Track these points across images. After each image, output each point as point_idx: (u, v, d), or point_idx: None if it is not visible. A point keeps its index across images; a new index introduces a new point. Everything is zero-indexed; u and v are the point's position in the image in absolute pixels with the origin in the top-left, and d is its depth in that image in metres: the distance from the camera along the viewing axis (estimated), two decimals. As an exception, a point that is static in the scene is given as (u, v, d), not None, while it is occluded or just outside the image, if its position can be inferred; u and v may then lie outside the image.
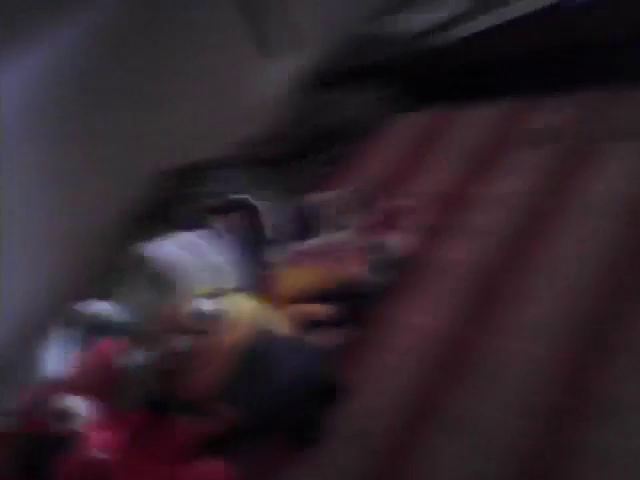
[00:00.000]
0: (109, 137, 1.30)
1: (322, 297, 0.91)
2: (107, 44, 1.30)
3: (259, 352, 0.80)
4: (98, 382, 0.87)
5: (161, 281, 1.01)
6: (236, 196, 1.16)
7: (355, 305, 0.89)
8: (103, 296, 1.05)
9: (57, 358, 0.95)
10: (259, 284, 0.98)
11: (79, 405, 0.81)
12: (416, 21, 1.49)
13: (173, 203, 1.23)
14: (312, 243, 1.06)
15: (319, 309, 0.88)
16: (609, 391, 0.63)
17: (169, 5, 1.40)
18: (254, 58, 1.59)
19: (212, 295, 0.86)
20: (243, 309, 0.85)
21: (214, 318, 0.82)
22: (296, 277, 0.96)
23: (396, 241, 0.98)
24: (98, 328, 0.98)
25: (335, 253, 1.00)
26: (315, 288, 0.93)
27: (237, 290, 0.94)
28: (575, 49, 1.14)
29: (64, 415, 0.80)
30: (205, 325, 0.81)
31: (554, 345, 0.70)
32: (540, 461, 0.61)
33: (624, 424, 0.60)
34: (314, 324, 0.86)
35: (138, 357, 0.93)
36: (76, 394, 0.83)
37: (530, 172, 0.97)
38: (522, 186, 0.96)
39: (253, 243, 1.08)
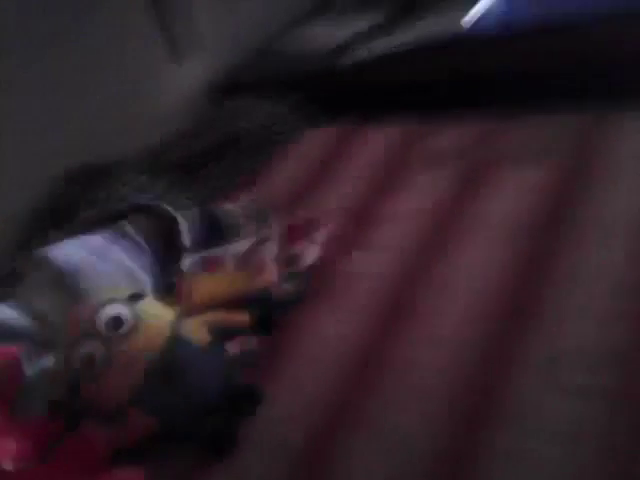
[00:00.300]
0: (12, 134, 1.25)
1: (234, 305, 0.92)
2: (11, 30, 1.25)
3: (172, 359, 0.79)
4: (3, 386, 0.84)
5: (66, 284, 0.99)
6: (150, 202, 1.16)
7: (267, 314, 0.91)
8: (2, 299, 1.02)
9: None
10: (171, 290, 0.98)
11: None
12: (327, 37, 1.55)
13: (80, 205, 1.20)
14: (223, 251, 1.07)
15: (233, 317, 0.89)
16: (511, 399, 0.68)
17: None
18: (164, 62, 1.58)
19: (126, 300, 0.86)
20: (157, 315, 0.85)
21: (127, 323, 0.81)
22: (208, 284, 0.97)
23: (306, 252, 1.01)
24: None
25: (247, 262, 1.02)
26: (227, 296, 0.94)
27: (150, 296, 0.93)
28: (474, 78, 1.24)
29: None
30: (118, 331, 0.81)
31: (459, 356, 0.75)
32: (450, 465, 0.65)
33: (524, 428, 0.65)
34: (228, 332, 0.88)
35: (43, 362, 0.90)
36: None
37: (430, 191, 1.05)
38: (424, 204, 1.02)
39: (165, 249, 1.07)
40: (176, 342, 0.81)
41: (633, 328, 0.70)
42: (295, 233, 1.05)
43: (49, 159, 1.30)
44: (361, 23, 1.51)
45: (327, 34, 1.55)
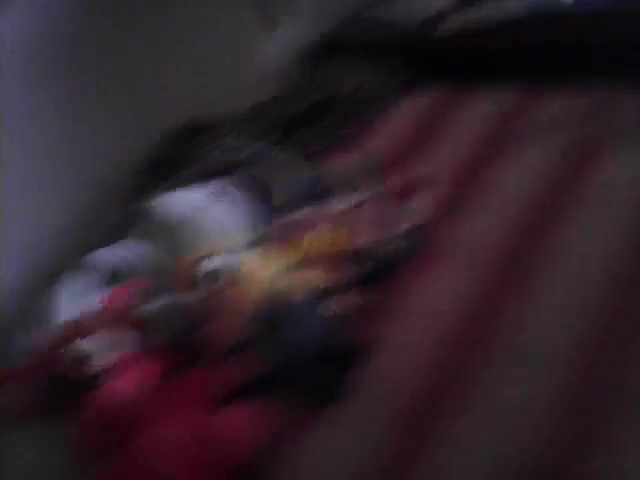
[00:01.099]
0: (123, 88, 1.29)
1: (340, 261, 0.93)
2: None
3: (277, 308, 0.83)
4: (124, 320, 0.88)
5: (172, 233, 1.03)
6: (250, 160, 1.18)
7: (372, 273, 0.92)
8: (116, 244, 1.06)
9: (71, 304, 0.95)
10: (279, 242, 1.00)
11: (100, 346, 0.83)
12: (425, 5, 1.51)
13: (189, 159, 1.23)
14: (328, 207, 1.08)
15: (332, 276, 0.90)
16: (613, 428, 0.65)
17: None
18: (259, 26, 1.59)
19: (226, 252, 0.88)
20: (257, 268, 0.88)
21: (223, 277, 0.84)
22: (315, 239, 0.98)
23: (413, 212, 1.01)
24: (115, 274, 0.99)
25: (353, 219, 1.03)
26: (334, 251, 0.96)
27: (252, 249, 0.95)
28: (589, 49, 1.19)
29: (83, 357, 0.81)
30: (219, 281, 0.84)
31: (572, 333, 0.74)
32: (557, 454, 0.64)
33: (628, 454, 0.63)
34: (328, 291, 0.88)
35: (161, 299, 0.94)
36: (99, 333, 0.84)
37: (539, 161, 1.02)
38: (534, 172, 1.00)
39: (263, 207, 1.10)
40: (275, 297, 0.84)
41: None
42: (400, 193, 1.05)
43: (157, 115, 1.34)
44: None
45: (426, 2, 1.51)
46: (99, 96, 1.26)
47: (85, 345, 0.85)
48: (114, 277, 0.99)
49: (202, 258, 0.88)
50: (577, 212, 0.90)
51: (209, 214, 1.04)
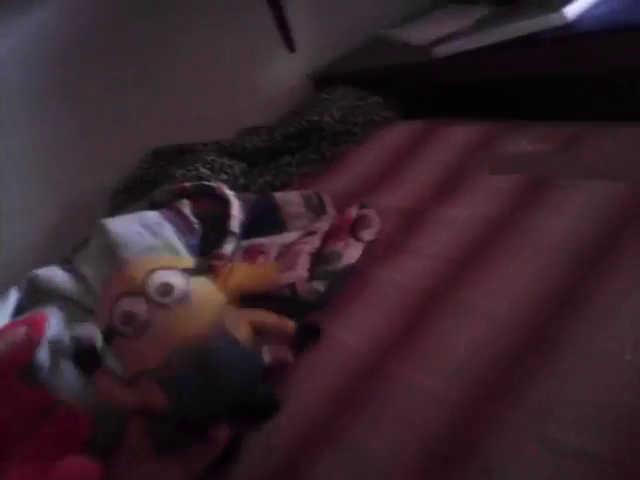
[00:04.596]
0: (106, 112, 1.33)
1: (265, 298, 0.90)
2: (114, 15, 1.33)
3: (209, 351, 0.78)
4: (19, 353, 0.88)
5: (113, 253, 1.02)
6: (211, 183, 1.18)
7: (295, 312, 0.87)
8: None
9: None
10: (210, 272, 0.98)
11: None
12: (429, 32, 1.46)
13: (154, 181, 1.24)
14: (270, 240, 1.06)
15: (279, 322, 0.86)
16: (492, 447, 0.60)
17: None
18: (273, 51, 1.60)
19: (180, 270, 0.86)
20: (209, 293, 0.85)
21: (176, 292, 0.81)
22: (241, 273, 0.96)
23: (348, 251, 0.97)
24: (45, 293, 1.01)
25: (287, 254, 1.00)
26: (256, 287, 0.93)
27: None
28: (562, 79, 1.10)
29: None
30: (166, 297, 0.81)
31: (464, 389, 0.67)
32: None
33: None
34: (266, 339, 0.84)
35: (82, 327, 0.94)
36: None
37: (490, 199, 0.94)
38: (478, 212, 0.92)
39: (215, 231, 1.08)
40: (218, 335, 0.80)
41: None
42: (342, 229, 1.01)
43: (143, 134, 1.37)
44: (467, 18, 1.40)
45: (431, 29, 1.46)
46: (88, 113, 1.31)
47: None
48: (45, 296, 1.00)
49: (153, 270, 0.86)
50: (506, 258, 0.82)
51: (151, 238, 1.03)
